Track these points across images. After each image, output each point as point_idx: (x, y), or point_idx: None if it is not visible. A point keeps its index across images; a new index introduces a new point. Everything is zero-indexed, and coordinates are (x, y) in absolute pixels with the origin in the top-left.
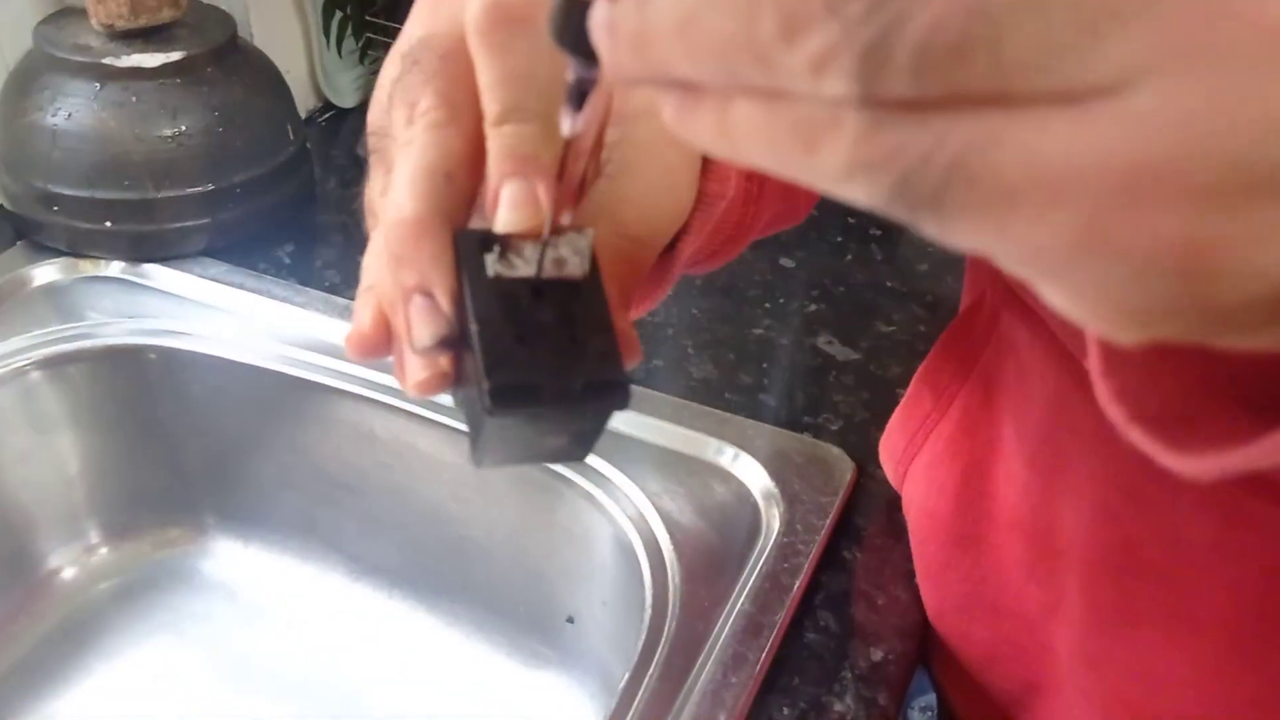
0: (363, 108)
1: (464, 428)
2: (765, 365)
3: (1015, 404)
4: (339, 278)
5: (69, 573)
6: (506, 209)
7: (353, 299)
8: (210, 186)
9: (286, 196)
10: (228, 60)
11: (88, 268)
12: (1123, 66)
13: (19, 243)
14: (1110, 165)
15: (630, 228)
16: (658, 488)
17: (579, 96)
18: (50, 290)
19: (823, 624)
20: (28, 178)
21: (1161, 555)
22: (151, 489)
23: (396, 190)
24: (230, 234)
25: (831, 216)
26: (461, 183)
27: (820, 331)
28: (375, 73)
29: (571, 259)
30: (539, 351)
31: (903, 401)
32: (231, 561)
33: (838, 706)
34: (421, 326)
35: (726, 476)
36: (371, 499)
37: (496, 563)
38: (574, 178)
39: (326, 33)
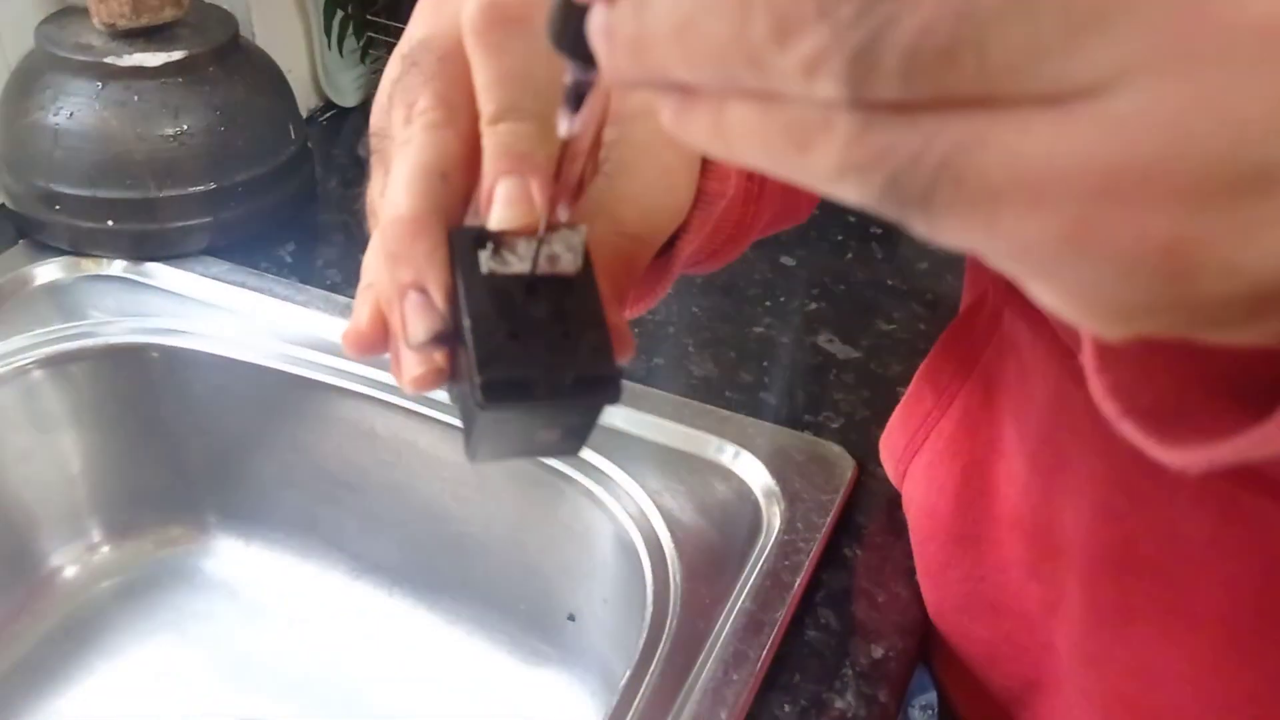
0: (364, 107)
1: (462, 427)
2: (766, 363)
3: (1016, 403)
4: (340, 277)
5: (71, 571)
6: (500, 206)
7: (354, 298)
8: (212, 185)
9: (288, 195)
10: (229, 59)
11: (90, 266)
12: (1103, 69)
13: (21, 242)
14: (1091, 166)
15: (627, 226)
16: (659, 485)
17: (576, 98)
18: (52, 289)
19: (823, 621)
20: (30, 177)
21: (1159, 552)
22: (153, 487)
23: (393, 189)
24: (232, 233)
25: (832, 215)
26: (457, 182)
27: (821, 330)
28: (376, 72)
29: (565, 255)
30: (532, 347)
31: (903, 400)
32: (233, 560)
33: (838, 704)
34: (416, 322)
35: (727, 474)
36: (372, 497)
37: (497, 560)
38: (571, 177)
39: (328, 32)
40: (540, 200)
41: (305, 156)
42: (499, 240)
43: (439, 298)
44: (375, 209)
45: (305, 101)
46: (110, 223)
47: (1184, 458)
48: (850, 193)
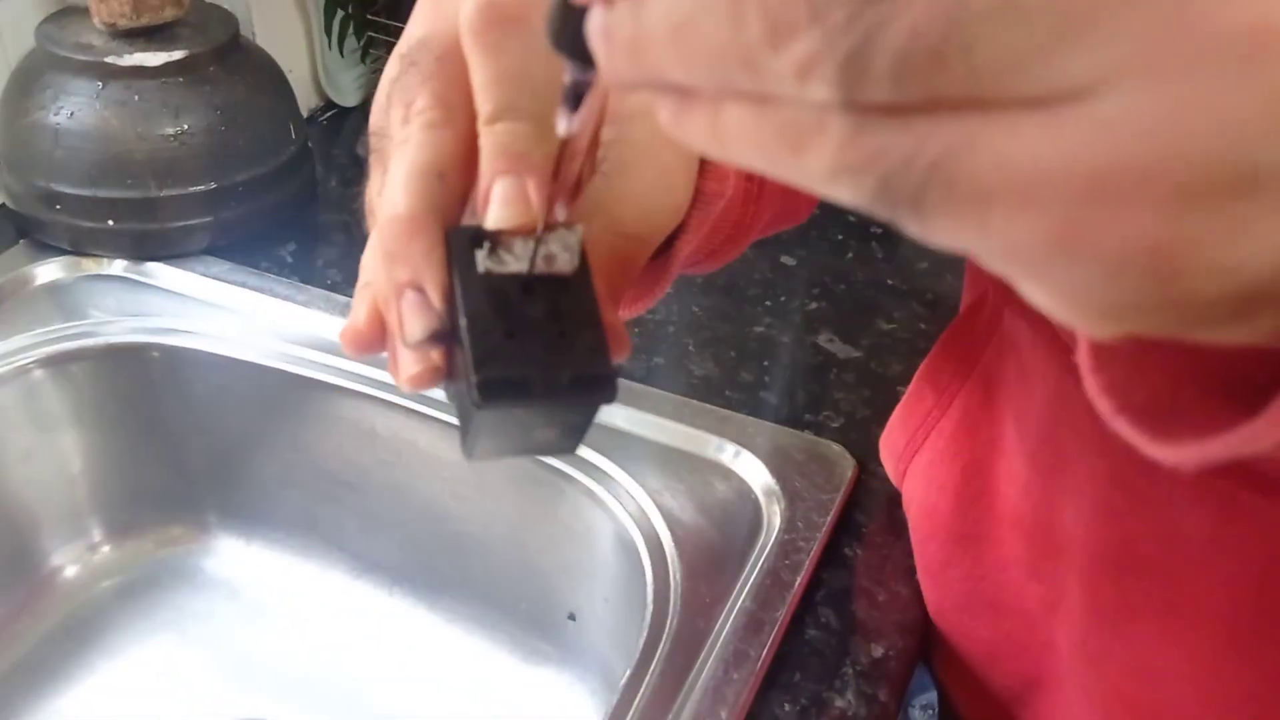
0: (364, 107)
1: (459, 426)
2: (766, 363)
3: (1016, 402)
4: (340, 276)
5: (71, 571)
6: (497, 206)
7: (353, 297)
8: (212, 185)
9: (288, 195)
10: (230, 59)
11: (90, 266)
12: (1090, 72)
13: (21, 241)
14: (1079, 168)
15: (625, 226)
16: (659, 485)
17: (575, 98)
18: (53, 289)
19: (824, 620)
20: (30, 177)
21: (1159, 551)
22: (154, 487)
23: (390, 188)
24: (232, 232)
25: (832, 215)
26: (454, 181)
27: (821, 329)
28: (376, 72)
29: (561, 255)
30: (528, 346)
31: (904, 399)
32: (233, 560)
33: (839, 703)
34: (413, 321)
35: (728, 474)
36: (372, 496)
37: (497, 559)
38: (569, 176)
39: (328, 32)
40: (537, 200)
41: (306, 156)
42: (496, 240)
43: (436, 297)
44: (373, 208)
45: (306, 101)
46: (111, 222)
47: (1177, 455)
48: (844, 194)
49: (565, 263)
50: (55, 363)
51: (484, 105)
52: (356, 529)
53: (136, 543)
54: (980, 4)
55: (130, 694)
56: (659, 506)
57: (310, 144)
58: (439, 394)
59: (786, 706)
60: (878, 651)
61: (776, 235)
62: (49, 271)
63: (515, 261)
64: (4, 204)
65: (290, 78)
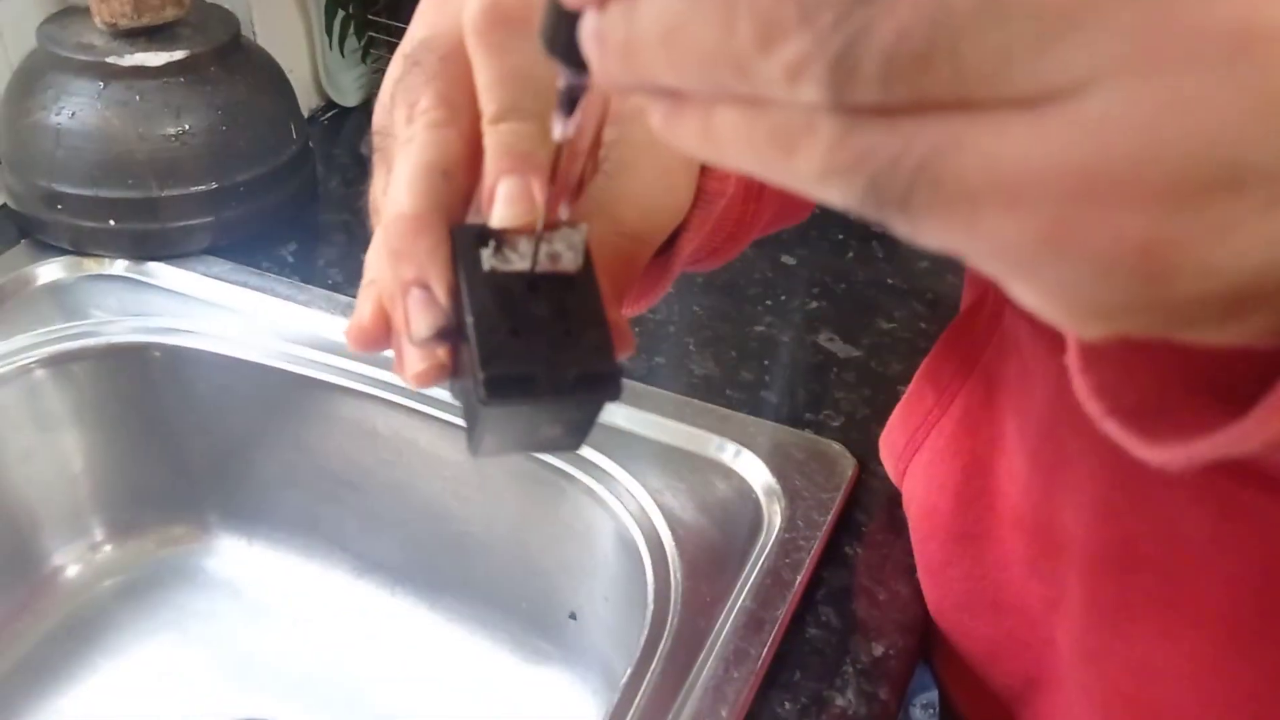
0: (365, 107)
1: (465, 424)
2: (767, 362)
3: (1017, 401)
4: (341, 276)
5: (73, 570)
6: (502, 204)
7: (355, 297)
8: (213, 185)
9: (289, 195)
10: (231, 59)
11: (91, 266)
12: (1076, 72)
13: (23, 241)
14: (1066, 168)
15: (627, 224)
16: (660, 484)
17: (570, 102)
18: (54, 289)
19: (824, 619)
20: (31, 177)
21: (1159, 549)
22: (155, 487)
23: (395, 187)
24: (233, 232)
25: (832, 214)
26: (459, 180)
27: (821, 329)
28: (377, 72)
29: (565, 253)
30: (533, 343)
31: (904, 398)
32: (235, 559)
33: (839, 701)
34: (419, 319)
35: (728, 473)
36: (374, 496)
37: (498, 559)
38: (571, 176)
39: (329, 32)
40: (541, 199)
41: (306, 156)
42: (500, 238)
43: (442, 294)
44: (378, 207)
45: (306, 101)
46: (112, 222)
47: (1165, 455)
48: (834, 195)
49: (570, 261)
50: (57, 362)
51: (489, 105)
52: (358, 529)
53: (138, 542)
54: (965, 6)
55: (132, 694)
56: (660, 506)
57: (311, 144)
58: (440, 394)
59: (787, 705)
60: (878, 650)
61: (777, 235)
62: (50, 271)
63: (520, 260)
64: (5, 204)
65: (291, 78)
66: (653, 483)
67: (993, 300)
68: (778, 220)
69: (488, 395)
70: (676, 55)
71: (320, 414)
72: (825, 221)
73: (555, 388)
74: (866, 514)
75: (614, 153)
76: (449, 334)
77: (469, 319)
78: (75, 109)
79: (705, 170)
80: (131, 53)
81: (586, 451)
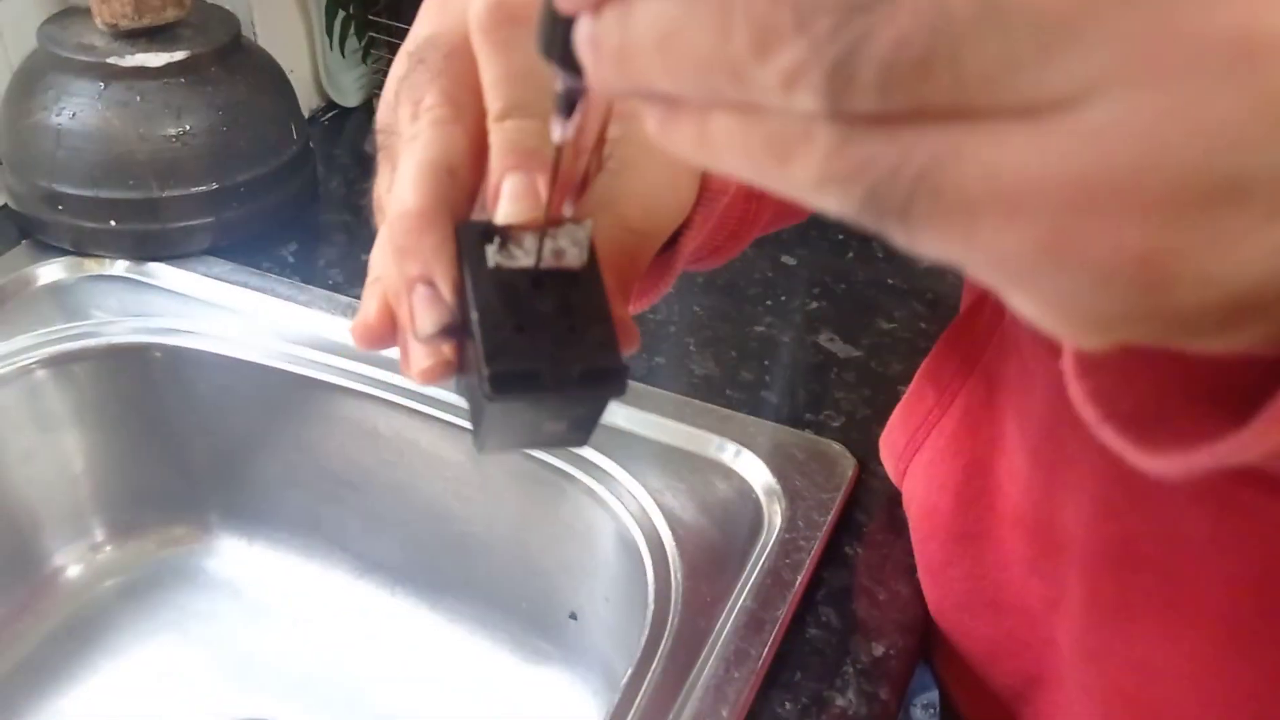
0: (366, 107)
1: (466, 424)
2: (767, 362)
3: (1018, 400)
4: (342, 276)
5: (74, 571)
6: (507, 201)
7: (356, 297)
8: (214, 186)
9: (290, 196)
10: (231, 60)
11: (92, 267)
12: (1077, 82)
13: (24, 242)
14: (1066, 178)
15: (631, 221)
16: (660, 484)
17: (568, 105)
18: (55, 289)
19: (824, 619)
20: (32, 177)
21: (1159, 549)
22: (156, 487)
23: (400, 184)
24: (234, 233)
25: None
26: (464, 177)
27: (822, 329)
28: (378, 72)
29: (570, 250)
30: (538, 339)
31: (904, 398)
32: (236, 560)
33: (840, 701)
34: (424, 315)
35: (728, 473)
36: (374, 496)
37: (499, 559)
38: (576, 173)
39: (329, 32)
40: (546, 195)
41: (307, 156)
42: (505, 235)
43: (447, 291)
44: (382, 204)
45: (307, 101)
46: (113, 223)
47: (1164, 464)
48: (831, 204)
49: (574, 257)
50: (57, 363)
51: (494, 102)
52: (359, 529)
53: (139, 543)
54: (964, 14)
55: (132, 694)
56: (660, 506)
57: (311, 144)
58: (441, 395)
59: (788, 705)
60: (879, 650)
61: (777, 234)
62: (51, 272)
63: (525, 256)
64: (6, 204)
65: (292, 78)
66: (653, 483)
67: (993, 300)
68: (779, 219)
69: (493, 391)
70: (671, 61)
71: (321, 414)
72: (825, 221)
73: (560, 383)
74: (867, 514)
75: (618, 150)
76: (454, 330)
77: (474, 315)
78: (76, 109)
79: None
80: (132, 53)
81: (587, 452)
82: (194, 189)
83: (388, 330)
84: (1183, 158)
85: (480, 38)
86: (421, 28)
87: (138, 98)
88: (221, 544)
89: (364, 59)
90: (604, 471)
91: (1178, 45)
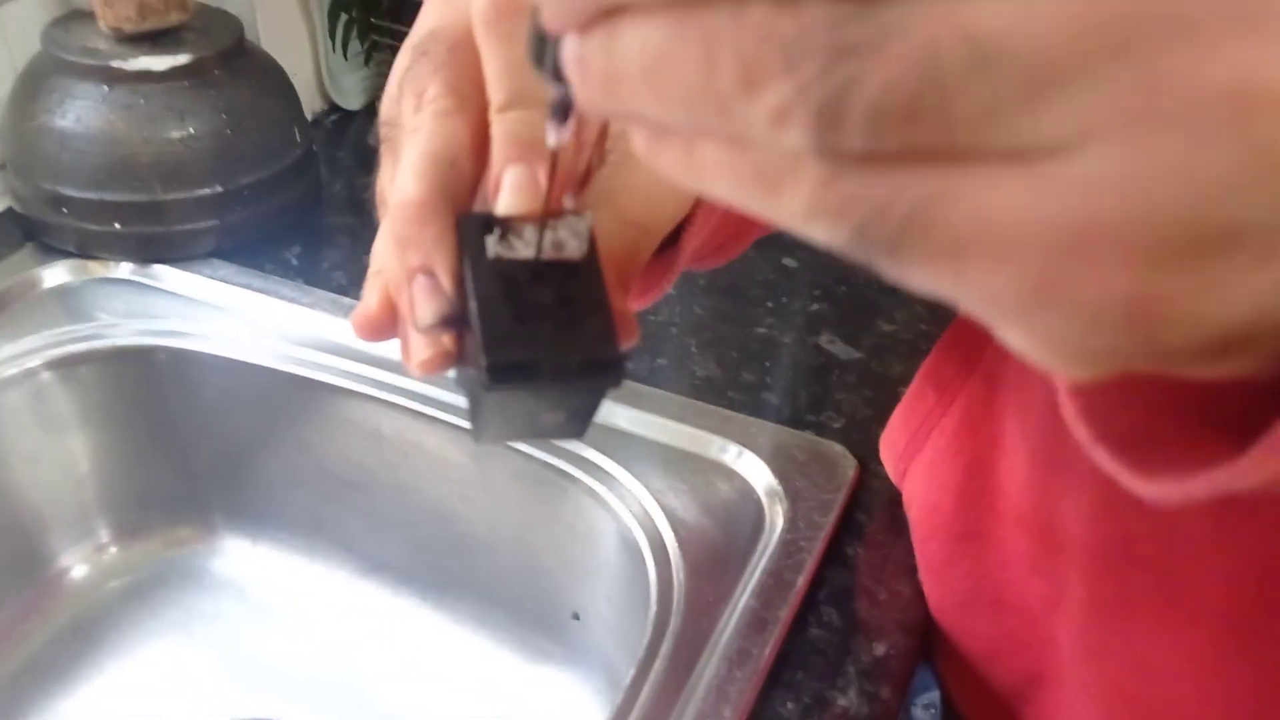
0: (368, 110)
1: (468, 425)
2: (768, 364)
3: (1018, 400)
4: (345, 279)
5: (79, 571)
6: (508, 192)
7: (359, 299)
8: (218, 188)
9: (293, 198)
10: (235, 63)
11: (97, 269)
12: (1068, 129)
13: (28, 244)
14: (1055, 224)
15: (632, 214)
16: (662, 485)
17: (562, 111)
18: (60, 292)
19: (826, 619)
20: (36, 180)
21: (1159, 548)
22: (161, 488)
23: (402, 175)
24: (238, 235)
25: None
26: (465, 168)
27: (823, 330)
28: (381, 75)
29: (570, 242)
30: (537, 330)
31: (905, 398)
32: (240, 560)
33: (841, 701)
34: (424, 305)
35: (730, 474)
36: (378, 497)
37: (501, 560)
38: (577, 165)
39: (332, 35)
40: (547, 187)
41: (310, 159)
42: (506, 226)
43: (447, 281)
44: (385, 197)
45: (310, 104)
46: (117, 225)
47: (1159, 490)
48: (820, 235)
49: (575, 249)
50: (63, 365)
51: (496, 94)
52: (362, 530)
53: (144, 543)
54: (954, 59)
55: (138, 694)
56: (662, 506)
57: (315, 147)
58: (444, 396)
59: (789, 705)
60: (880, 650)
61: (778, 236)
62: (56, 274)
63: (525, 248)
64: (11, 207)
65: (294, 81)
66: (655, 484)
67: None
68: None
69: (491, 380)
70: (658, 91)
71: (325, 416)
72: None
73: (558, 374)
74: (868, 514)
75: (620, 143)
76: (454, 321)
77: (473, 305)
78: (80, 112)
79: None
80: (136, 57)
81: (589, 453)
82: (198, 192)
83: (388, 321)
84: (1173, 207)
85: (483, 30)
86: (425, 21)
87: (141, 101)
88: (226, 545)
89: (366, 62)
90: (606, 472)
91: (1169, 96)
